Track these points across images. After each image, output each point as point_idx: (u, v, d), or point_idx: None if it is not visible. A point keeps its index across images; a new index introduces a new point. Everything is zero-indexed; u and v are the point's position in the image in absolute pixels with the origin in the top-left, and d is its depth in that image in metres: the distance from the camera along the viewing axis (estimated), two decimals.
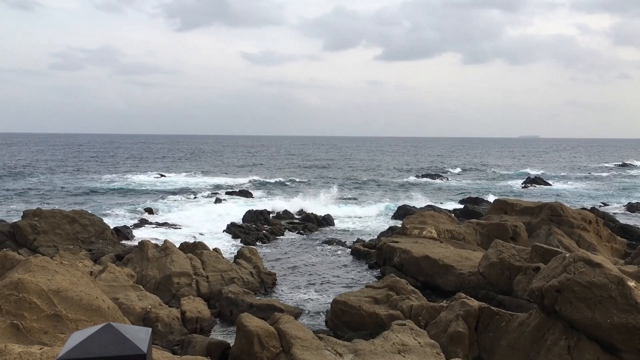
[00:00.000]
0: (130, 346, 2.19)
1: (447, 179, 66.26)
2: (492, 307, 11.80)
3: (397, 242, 20.76)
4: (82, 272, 8.60)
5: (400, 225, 24.13)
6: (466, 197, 43.76)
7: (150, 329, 2.44)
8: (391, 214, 36.55)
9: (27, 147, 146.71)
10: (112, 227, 26.34)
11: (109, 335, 2.21)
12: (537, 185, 57.68)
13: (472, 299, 12.49)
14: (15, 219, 26.38)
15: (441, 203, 41.94)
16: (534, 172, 73.45)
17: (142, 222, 31.44)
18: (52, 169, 74.02)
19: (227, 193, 46.82)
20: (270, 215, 34.28)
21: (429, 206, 38.90)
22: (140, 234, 27.32)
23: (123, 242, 25.53)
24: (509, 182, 62.69)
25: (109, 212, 35.99)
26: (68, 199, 43.13)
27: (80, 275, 7.88)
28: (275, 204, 39.71)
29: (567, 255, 10.86)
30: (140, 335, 2.26)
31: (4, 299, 6.34)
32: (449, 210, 32.40)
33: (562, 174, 76.08)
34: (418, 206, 38.93)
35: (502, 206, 25.58)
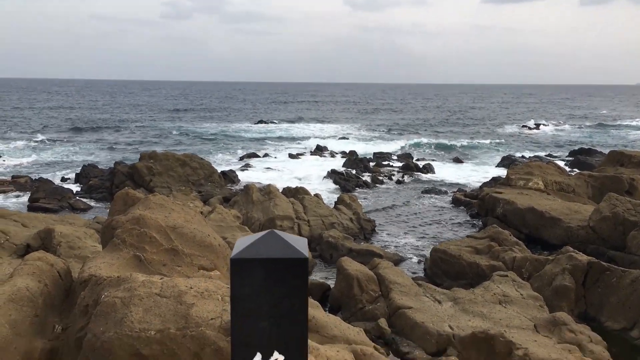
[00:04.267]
0: (293, 250, 2.37)
1: (558, 129, 62.73)
2: (603, 263, 11.27)
3: (501, 192, 20.13)
4: (194, 212, 9.09)
5: (504, 176, 23.34)
6: (578, 148, 41.34)
7: (306, 239, 2.63)
8: (494, 164, 35.38)
9: (141, 94, 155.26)
10: (219, 170, 27.63)
11: (273, 240, 2.40)
12: None
13: (581, 253, 11.99)
14: (132, 161, 28.34)
15: (550, 154, 39.97)
16: None
17: (247, 167, 32.66)
18: (163, 114, 78.18)
19: (328, 140, 47.30)
20: (370, 163, 34.34)
21: (536, 157, 37.26)
22: (245, 178, 28.44)
23: (229, 185, 26.74)
24: (627, 133, 58.29)
25: (216, 156, 37.70)
26: (179, 143, 45.56)
27: (193, 214, 8.35)
28: (376, 150, 39.66)
29: None
30: (300, 243, 2.43)
31: (128, 232, 6.88)
32: (558, 161, 30.85)
33: None
34: (525, 156, 37.40)
35: (618, 158, 23.93)
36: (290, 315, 2.34)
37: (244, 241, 2.45)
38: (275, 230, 2.46)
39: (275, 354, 2.38)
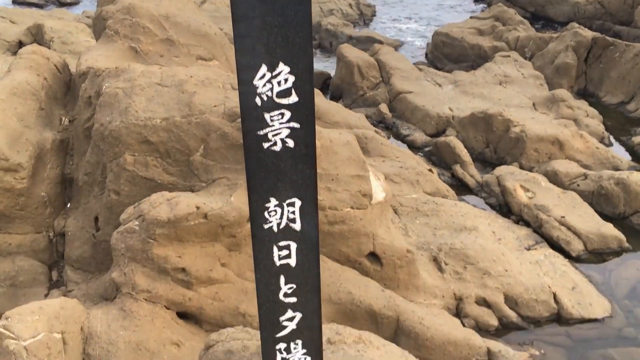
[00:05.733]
0: None
1: None
2: (607, 37, 11.04)
3: None
4: (186, 0, 8.68)
5: None
6: None
7: None
8: None
9: None
10: None
11: None
12: None
13: (586, 29, 11.69)
14: None
15: None
16: None
17: None
18: None
19: None
20: None
21: None
22: None
23: None
24: None
25: None
26: None
27: (185, 2, 8.00)
28: None
29: None
30: None
31: (120, 23, 6.64)
32: None
33: None
34: None
35: None
36: (294, 23, 2.21)
37: None
38: None
39: (281, 66, 2.28)
